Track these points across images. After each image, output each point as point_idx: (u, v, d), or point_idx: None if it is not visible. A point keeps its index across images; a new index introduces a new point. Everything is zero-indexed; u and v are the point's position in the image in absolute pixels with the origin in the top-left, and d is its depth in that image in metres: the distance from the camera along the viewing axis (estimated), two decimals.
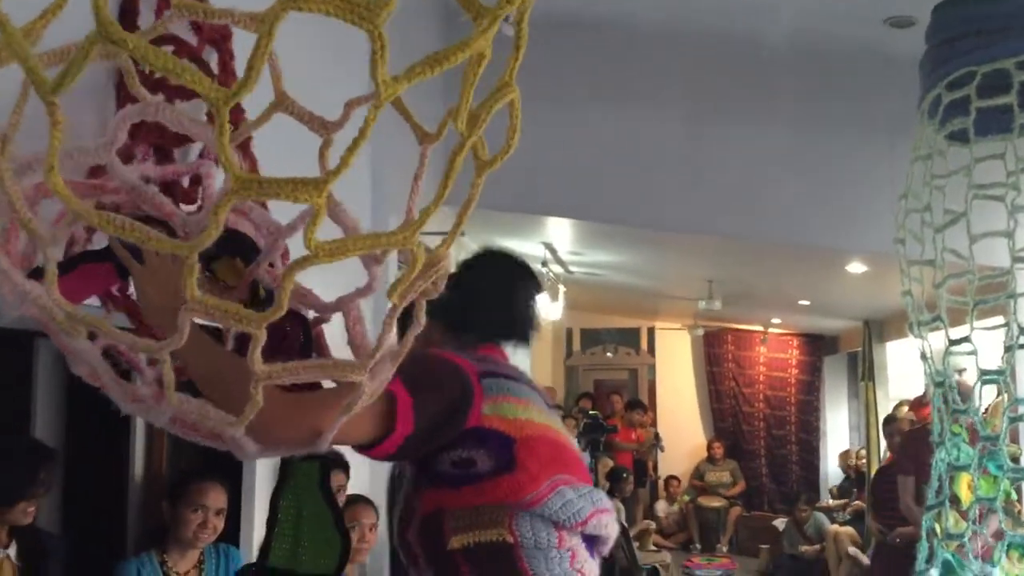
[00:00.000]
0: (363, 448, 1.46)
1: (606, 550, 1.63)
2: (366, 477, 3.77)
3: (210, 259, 1.46)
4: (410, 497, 1.58)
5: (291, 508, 1.76)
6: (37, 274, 1.31)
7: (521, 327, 1.76)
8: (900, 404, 6.44)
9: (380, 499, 3.73)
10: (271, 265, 1.52)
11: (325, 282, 1.58)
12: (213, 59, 1.92)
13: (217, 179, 1.68)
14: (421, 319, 1.27)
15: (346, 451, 2.93)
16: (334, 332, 1.63)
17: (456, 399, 1.51)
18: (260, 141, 1.88)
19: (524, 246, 7.15)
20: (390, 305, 1.22)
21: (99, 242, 1.54)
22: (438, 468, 1.51)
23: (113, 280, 1.55)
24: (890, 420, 5.84)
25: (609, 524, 1.59)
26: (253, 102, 1.59)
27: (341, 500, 3.05)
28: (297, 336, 1.52)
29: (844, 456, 10.37)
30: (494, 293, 1.75)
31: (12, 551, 2.37)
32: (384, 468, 4.16)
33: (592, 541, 1.59)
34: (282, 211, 1.40)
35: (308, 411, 1.32)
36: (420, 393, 1.47)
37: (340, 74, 2.32)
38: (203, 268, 1.47)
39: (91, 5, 0.95)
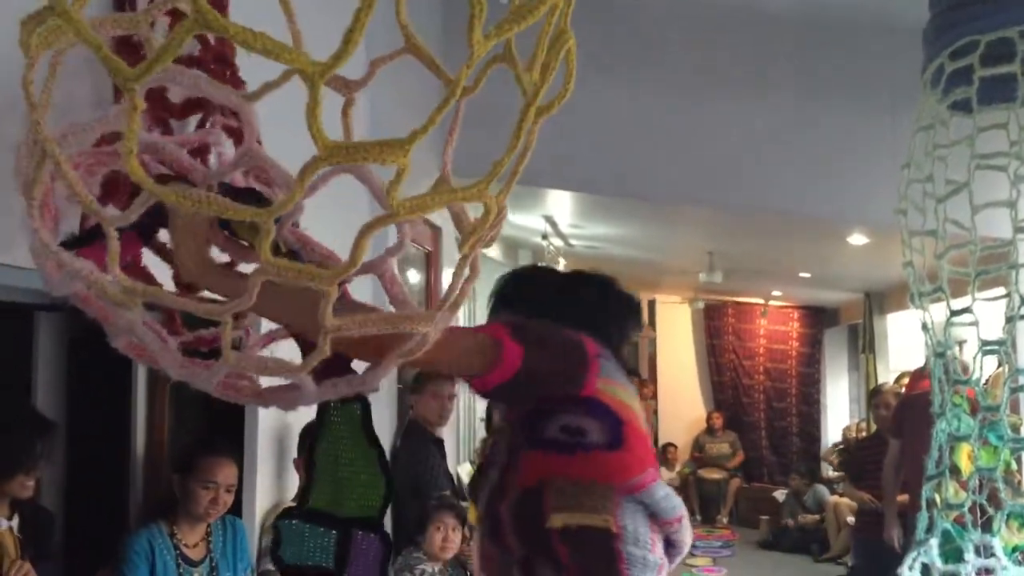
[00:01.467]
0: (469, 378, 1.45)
1: (675, 564, 1.60)
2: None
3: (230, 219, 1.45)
4: (507, 468, 1.53)
5: (329, 453, 1.73)
6: (70, 246, 1.32)
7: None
8: (901, 375, 6.45)
9: None
10: (295, 225, 1.52)
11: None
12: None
13: (227, 147, 1.68)
14: (477, 268, 1.30)
15: None
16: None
17: (573, 360, 1.50)
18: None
19: (525, 219, 7.14)
20: (459, 256, 1.25)
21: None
22: (546, 434, 1.46)
23: (136, 245, 1.55)
24: (876, 393, 5.85)
25: (688, 530, 1.58)
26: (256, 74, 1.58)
27: None
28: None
29: (847, 430, 10.41)
30: (598, 326, 1.66)
31: (15, 523, 2.37)
32: (386, 442, 4.18)
33: (672, 552, 1.56)
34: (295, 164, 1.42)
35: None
36: (528, 343, 1.44)
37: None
38: (222, 227, 1.47)
39: None
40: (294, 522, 1.68)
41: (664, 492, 1.50)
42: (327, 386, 1.35)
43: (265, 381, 1.43)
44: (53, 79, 1.22)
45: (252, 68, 2.00)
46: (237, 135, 1.74)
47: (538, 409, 1.48)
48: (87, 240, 1.38)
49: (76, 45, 1.15)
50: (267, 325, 1.76)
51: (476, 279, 1.33)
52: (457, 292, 1.27)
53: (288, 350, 1.47)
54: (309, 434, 2.81)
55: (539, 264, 1.91)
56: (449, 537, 3.74)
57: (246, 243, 1.49)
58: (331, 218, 1.88)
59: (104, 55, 0.99)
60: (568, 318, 1.61)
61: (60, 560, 2.81)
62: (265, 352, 1.70)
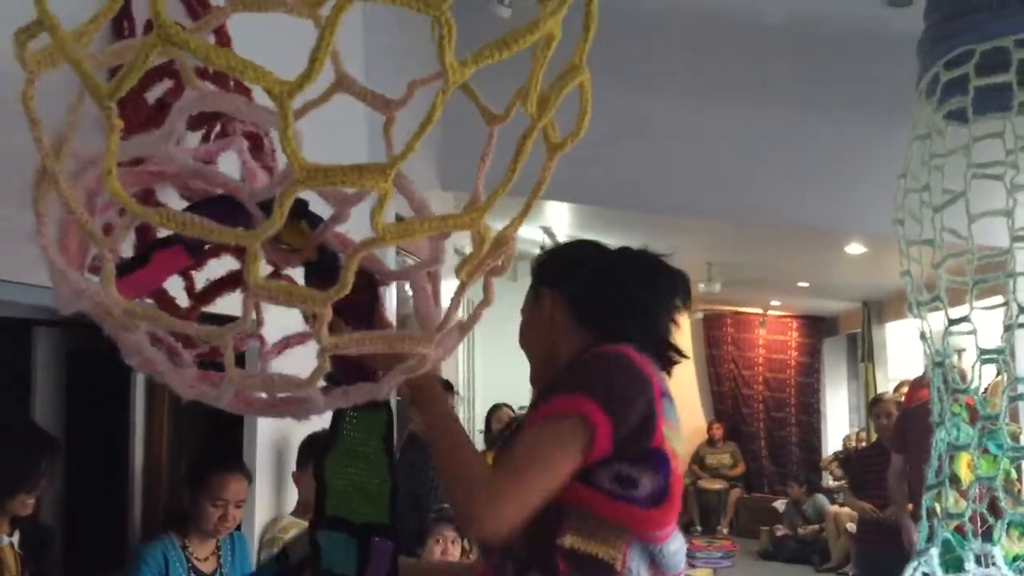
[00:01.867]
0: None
1: None
2: None
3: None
4: None
5: (344, 461, 1.74)
6: (120, 272, 1.34)
7: (663, 349, 1.65)
8: (900, 384, 6.44)
9: None
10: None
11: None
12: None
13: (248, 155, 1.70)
14: (491, 298, 1.31)
15: None
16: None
17: (646, 407, 1.46)
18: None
19: (522, 230, 7.13)
20: (459, 283, 1.25)
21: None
22: (597, 479, 1.42)
23: (184, 260, 1.57)
24: (876, 402, 5.84)
25: None
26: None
27: None
28: (365, 302, 1.53)
29: (847, 440, 10.40)
30: (647, 305, 1.65)
31: (16, 539, 2.36)
32: None
33: None
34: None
35: (502, 492, 1.38)
36: (617, 411, 1.42)
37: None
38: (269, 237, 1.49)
39: (150, 8, 0.96)
40: (327, 533, 1.70)
41: (676, 547, 1.49)
42: (338, 395, 1.36)
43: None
44: (80, 103, 1.22)
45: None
46: (256, 140, 1.75)
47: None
48: (139, 262, 1.40)
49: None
50: (280, 332, 1.77)
51: (489, 305, 1.34)
52: (450, 321, 1.28)
53: (302, 356, 1.48)
54: (312, 446, 2.80)
55: (583, 240, 1.87)
56: (448, 550, 3.73)
57: (292, 247, 1.51)
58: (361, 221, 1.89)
59: (83, 71, 0.99)
60: (614, 300, 1.60)
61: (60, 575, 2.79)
62: (278, 360, 1.71)
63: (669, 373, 1.65)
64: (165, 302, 1.71)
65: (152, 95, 1.90)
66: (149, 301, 1.69)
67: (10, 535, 2.34)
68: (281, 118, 0.96)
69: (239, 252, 1.81)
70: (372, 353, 1.29)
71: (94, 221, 1.24)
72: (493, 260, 1.27)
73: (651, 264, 1.72)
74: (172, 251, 1.46)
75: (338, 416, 1.74)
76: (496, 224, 1.28)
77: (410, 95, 1.49)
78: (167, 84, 1.89)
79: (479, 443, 6.49)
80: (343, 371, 1.43)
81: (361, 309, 1.53)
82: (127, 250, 1.62)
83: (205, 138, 1.89)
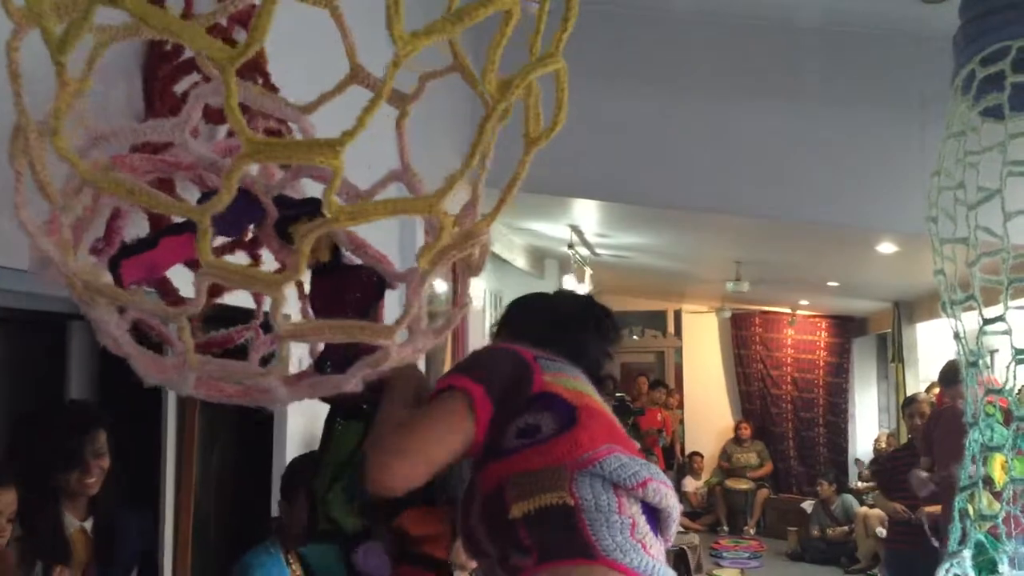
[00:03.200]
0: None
1: (670, 533, 1.62)
2: None
3: (286, 223, 1.47)
4: (472, 483, 1.60)
5: (333, 474, 1.77)
6: (125, 252, 1.34)
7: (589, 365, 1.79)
8: (932, 385, 6.38)
9: None
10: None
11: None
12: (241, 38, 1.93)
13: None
14: (467, 296, 1.31)
15: None
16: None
17: (517, 368, 1.58)
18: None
19: (550, 228, 7.14)
20: (419, 271, 1.25)
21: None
22: (505, 444, 1.52)
23: (192, 250, 1.58)
24: (910, 402, 5.80)
25: (668, 496, 1.57)
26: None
27: None
28: (369, 298, 1.55)
29: (877, 442, 10.31)
30: (579, 339, 1.82)
31: (88, 524, 2.31)
32: None
33: (653, 515, 1.57)
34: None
35: (407, 442, 1.49)
36: (484, 377, 1.55)
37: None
38: (280, 233, 1.50)
39: None
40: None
41: (619, 463, 1.50)
42: (303, 387, 1.36)
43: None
44: (87, 77, 1.22)
45: (282, 74, 2.03)
46: (277, 136, 1.76)
47: (494, 423, 1.54)
48: (147, 245, 1.41)
49: (112, 49, 1.15)
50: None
51: (467, 308, 1.35)
52: (413, 309, 1.26)
53: (297, 349, 1.48)
54: (296, 472, 2.81)
55: (539, 293, 2.02)
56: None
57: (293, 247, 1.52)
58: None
59: (43, 26, 0.98)
60: (552, 337, 1.74)
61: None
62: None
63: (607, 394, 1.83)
64: (169, 293, 1.72)
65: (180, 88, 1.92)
66: (150, 290, 1.69)
67: (83, 520, 2.33)
68: (225, 86, 0.95)
69: (252, 247, 1.82)
70: None
71: (101, 201, 1.24)
72: (460, 251, 1.25)
73: (583, 303, 1.95)
74: (181, 239, 1.46)
75: (328, 427, 1.78)
76: (501, 225, 1.26)
77: (422, 89, 1.49)
78: (195, 77, 1.91)
79: None
80: (337, 361, 1.43)
81: (362, 308, 1.54)
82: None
83: (231, 132, 1.91)
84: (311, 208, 1.45)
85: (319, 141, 1.00)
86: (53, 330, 2.99)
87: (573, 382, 1.61)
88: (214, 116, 1.77)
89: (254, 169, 1.50)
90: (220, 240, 1.67)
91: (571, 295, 2.08)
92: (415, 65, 1.46)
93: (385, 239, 1.65)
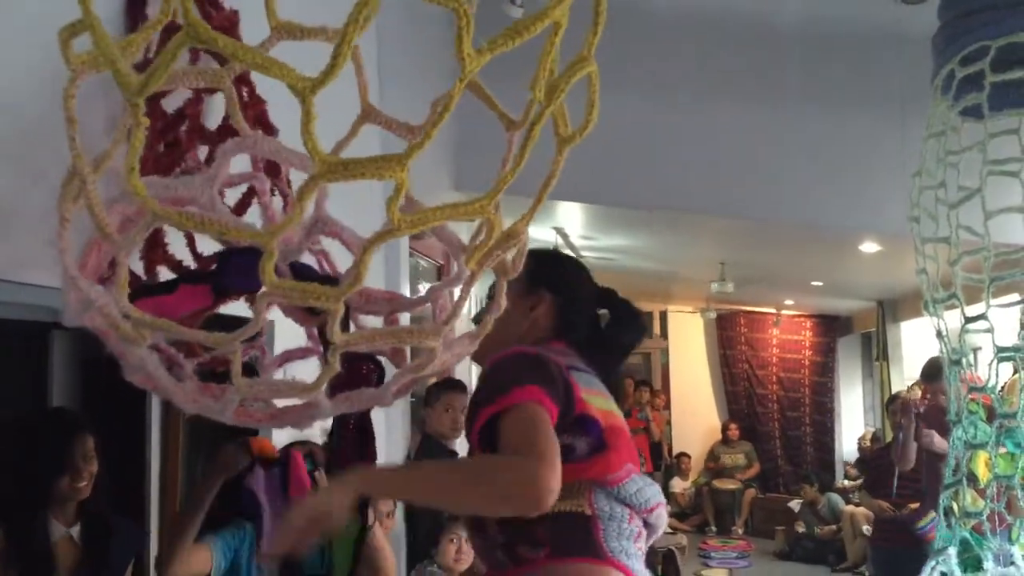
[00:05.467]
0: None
1: (651, 542, 1.73)
2: (382, 464, 3.78)
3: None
4: None
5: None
6: (139, 294, 1.34)
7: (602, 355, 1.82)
8: (915, 384, 6.41)
9: None
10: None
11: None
12: None
13: (272, 199, 1.72)
14: (501, 302, 1.33)
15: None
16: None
17: (566, 387, 1.59)
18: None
19: (535, 231, 7.14)
20: (468, 273, 1.30)
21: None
22: None
23: (207, 300, 1.58)
24: (892, 400, 5.83)
25: (663, 518, 1.71)
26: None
27: None
28: (372, 374, 1.59)
29: (862, 440, 10.36)
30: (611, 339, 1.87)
31: (76, 531, 2.26)
32: (399, 455, 4.18)
33: (649, 530, 1.69)
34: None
35: (536, 449, 1.44)
36: (549, 391, 1.53)
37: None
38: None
39: (179, 7, 0.98)
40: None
41: (636, 487, 1.62)
42: (340, 400, 1.37)
43: (279, 402, 1.44)
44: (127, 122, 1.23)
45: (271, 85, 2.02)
46: (273, 167, 1.76)
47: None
48: (165, 288, 1.41)
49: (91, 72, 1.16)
50: (281, 345, 1.78)
51: (500, 311, 1.37)
52: (459, 311, 1.28)
53: (302, 368, 1.49)
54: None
55: (565, 255, 2.07)
56: (463, 548, 3.73)
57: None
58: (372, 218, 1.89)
59: (117, 67, 1.00)
60: (593, 327, 1.82)
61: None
62: (279, 373, 1.73)
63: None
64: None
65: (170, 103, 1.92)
66: None
67: (70, 526, 2.29)
68: (304, 113, 0.97)
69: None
70: None
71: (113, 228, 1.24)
72: (503, 251, 1.29)
73: (626, 307, 1.95)
74: (199, 288, 1.48)
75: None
76: (509, 221, 1.29)
77: (433, 117, 1.49)
78: (186, 94, 1.90)
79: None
80: (341, 383, 1.44)
81: (369, 379, 1.57)
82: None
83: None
84: (326, 279, 1.48)
85: (386, 157, 1.02)
86: (35, 339, 2.97)
87: (603, 400, 1.66)
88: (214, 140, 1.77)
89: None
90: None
91: (607, 289, 2.02)
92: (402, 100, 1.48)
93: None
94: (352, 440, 1.74)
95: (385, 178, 1.02)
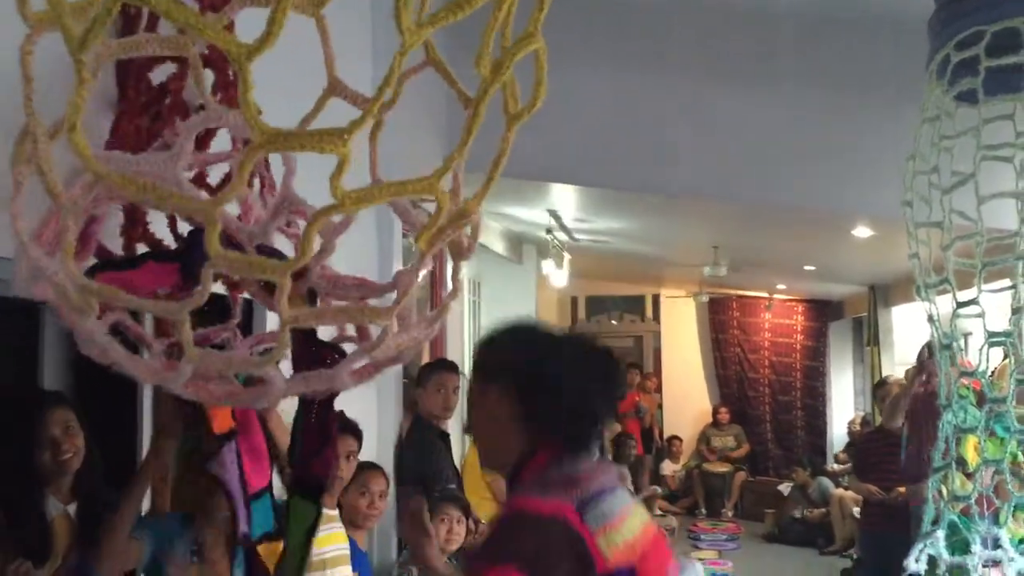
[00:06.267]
0: None
1: None
2: (373, 444, 3.79)
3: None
4: None
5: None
6: (103, 267, 1.33)
7: (593, 430, 1.62)
8: (908, 369, 6.44)
9: (388, 466, 3.77)
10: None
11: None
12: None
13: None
14: (459, 285, 1.31)
15: (356, 418, 2.95)
16: None
17: (580, 559, 1.43)
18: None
19: (528, 213, 7.13)
20: (418, 252, 1.26)
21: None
22: None
23: (175, 279, 1.57)
24: (881, 384, 5.86)
25: None
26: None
27: (352, 467, 3.10)
28: (335, 362, 1.56)
29: (851, 424, 10.41)
30: (579, 394, 1.59)
31: (72, 508, 2.27)
32: (391, 435, 4.18)
33: None
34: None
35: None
36: (533, 569, 1.40)
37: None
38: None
39: None
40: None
41: None
42: (298, 380, 1.36)
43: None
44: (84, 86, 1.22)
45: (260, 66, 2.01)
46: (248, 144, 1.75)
47: None
48: (130, 264, 1.40)
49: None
50: (256, 327, 1.77)
51: (456, 297, 1.35)
52: (409, 287, 1.27)
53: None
54: None
55: (516, 326, 1.73)
56: (454, 529, 3.75)
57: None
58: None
59: (63, 24, 0.98)
60: (554, 401, 1.56)
61: None
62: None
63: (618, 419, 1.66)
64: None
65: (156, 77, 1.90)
66: None
67: (67, 503, 2.28)
68: (241, 81, 0.96)
69: (233, 287, 1.82)
70: None
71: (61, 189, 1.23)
72: (454, 230, 1.27)
73: (586, 352, 1.66)
74: (166, 267, 1.46)
75: (287, 503, 1.88)
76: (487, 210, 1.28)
77: (397, 96, 1.48)
78: (170, 68, 1.89)
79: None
80: (303, 366, 1.43)
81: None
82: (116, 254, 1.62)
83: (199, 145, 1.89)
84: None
85: (329, 131, 1.00)
86: (26, 317, 2.96)
87: (622, 531, 1.48)
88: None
89: (234, 209, 1.49)
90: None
91: (579, 343, 1.70)
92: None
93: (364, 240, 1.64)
94: (314, 427, 1.73)
95: (326, 151, 1.00)
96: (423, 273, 1.29)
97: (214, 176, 1.93)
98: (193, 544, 2.29)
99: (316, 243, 1.34)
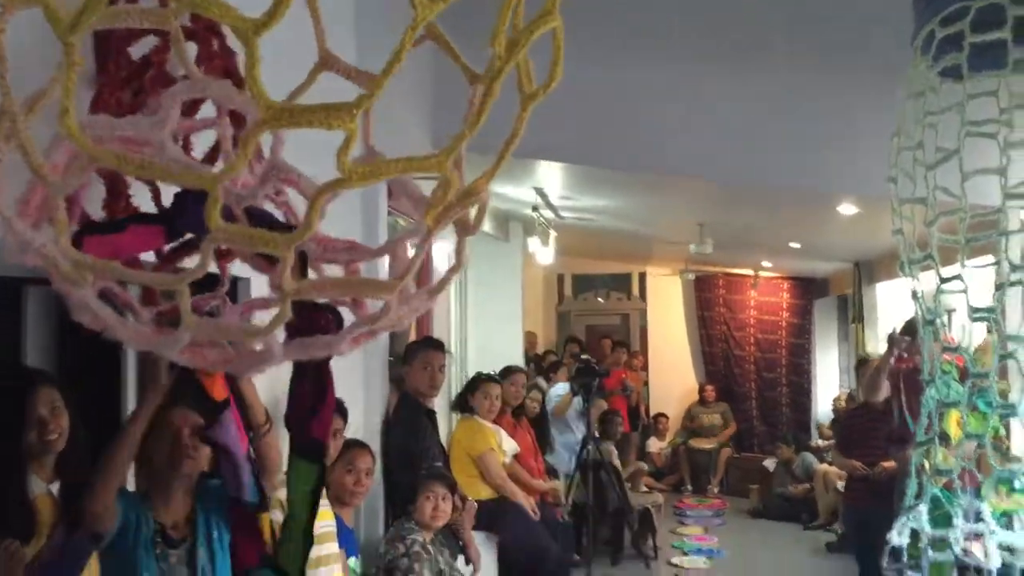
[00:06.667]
0: None
1: None
2: (360, 421, 3.79)
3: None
4: None
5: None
6: (91, 230, 1.32)
7: None
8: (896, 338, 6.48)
9: (374, 444, 3.78)
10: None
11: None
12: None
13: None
14: (462, 261, 1.31)
15: (342, 395, 2.95)
16: None
17: None
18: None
19: (515, 191, 7.12)
20: (425, 228, 1.25)
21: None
22: None
23: (160, 241, 1.56)
24: (863, 363, 5.91)
25: None
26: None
27: (339, 444, 3.10)
28: (330, 324, 1.55)
29: (836, 401, 10.48)
30: None
31: (56, 487, 2.25)
32: (377, 413, 4.19)
33: None
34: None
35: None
36: None
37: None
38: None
39: None
40: None
41: None
42: (294, 346, 1.36)
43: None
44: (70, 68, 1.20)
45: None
46: (239, 119, 1.73)
47: None
48: (114, 227, 1.39)
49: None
50: (243, 295, 1.76)
51: (461, 269, 1.35)
52: (415, 265, 1.27)
53: (265, 319, 1.47)
54: None
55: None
56: (439, 506, 3.76)
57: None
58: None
59: (46, 3, 0.96)
60: None
61: None
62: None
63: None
64: (131, 264, 1.70)
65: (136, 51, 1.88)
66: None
67: (50, 482, 2.27)
68: (248, 56, 0.94)
69: (222, 256, 1.81)
70: None
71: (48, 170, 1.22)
72: (462, 208, 1.26)
73: None
74: (151, 229, 1.45)
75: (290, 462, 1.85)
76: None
77: (391, 70, 1.46)
78: (153, 40, 1.87)
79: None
80: (296, 330, 1.43)
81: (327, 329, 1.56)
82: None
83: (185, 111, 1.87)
84: (282, 225, 1.45)
85: (336, 105, 1.00)
86: (8, 295, 2.94)
87: None
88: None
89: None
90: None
91: None
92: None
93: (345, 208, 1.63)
94: (310, 389, 1.74)
95: (333, 127, 1.00)
96: (411, 245, 1.29)
97: (198, 150, 1.91)
98: (156, 524, 2.31)
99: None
